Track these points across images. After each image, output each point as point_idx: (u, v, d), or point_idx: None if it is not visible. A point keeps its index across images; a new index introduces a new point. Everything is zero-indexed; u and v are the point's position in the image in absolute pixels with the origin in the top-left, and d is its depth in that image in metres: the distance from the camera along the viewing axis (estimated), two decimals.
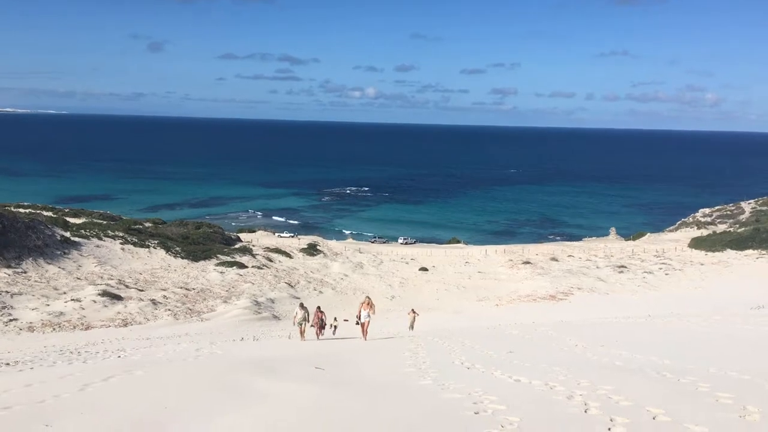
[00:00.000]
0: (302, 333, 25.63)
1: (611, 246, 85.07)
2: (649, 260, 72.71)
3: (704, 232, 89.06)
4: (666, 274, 64.66)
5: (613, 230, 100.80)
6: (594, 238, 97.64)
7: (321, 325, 26.42)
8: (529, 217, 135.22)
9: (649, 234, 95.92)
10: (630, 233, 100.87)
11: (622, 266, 68.85)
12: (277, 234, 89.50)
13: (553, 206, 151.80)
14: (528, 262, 71.16)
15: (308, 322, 25.84)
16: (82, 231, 57.19)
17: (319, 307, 27.74)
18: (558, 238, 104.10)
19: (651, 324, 27.99)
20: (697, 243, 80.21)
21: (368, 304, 23.87)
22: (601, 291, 57.65)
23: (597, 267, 69.00)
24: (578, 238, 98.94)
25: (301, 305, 26.67)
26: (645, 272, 65.60)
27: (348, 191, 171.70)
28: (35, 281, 43.14)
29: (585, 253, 78.72)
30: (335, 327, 34.31)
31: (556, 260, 73.26)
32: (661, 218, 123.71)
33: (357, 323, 24.18)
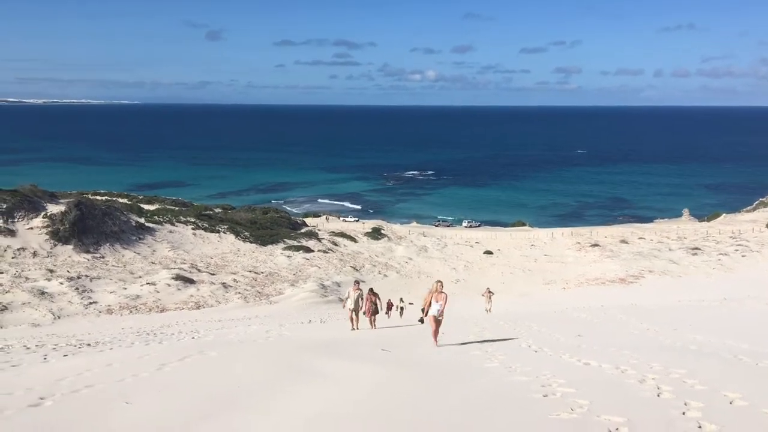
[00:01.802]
0: (354, 320, 21.01)
1: (684, 227, 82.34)
2: (725, 242, 70.02)
3: None
4: (742, 256, 62.19)
5: (686, 211, 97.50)
6: (666, 219, 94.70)
7: (374, 311, 21.78)
8: (597, 199, 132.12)
9: (724, 215, 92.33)
10: (704, 214, 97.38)
11: (696, 248, 66.56)
12: (341, 218, 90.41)
13: (622, 187, 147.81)
14: (596, 245, 69.67)
15: (361, 307, 21.35)
16: (156, 217, 59.16)
17: (371, 290, 22.58)
18: (628, 220, 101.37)
19: (727, 307, 27.05)
20: None
21: (440, 292, 15.17)
22: (674, 274, 55.95)
23: (669, 249, 66.93)
24: (649, 220, 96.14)
25: (356, 284, 21.82)
26: (720, 254, 63.25)
27: (411, 175, 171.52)
28: (112, 266, 44.93)
29: (656, 235, 76.46)
30: (402, 309, 34.51)
31: (626, 242, 71.44)
32: (737, 198, 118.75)
33: (421, 319, 16.29)
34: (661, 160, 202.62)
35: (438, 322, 15.06)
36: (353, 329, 20.59)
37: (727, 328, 17.54)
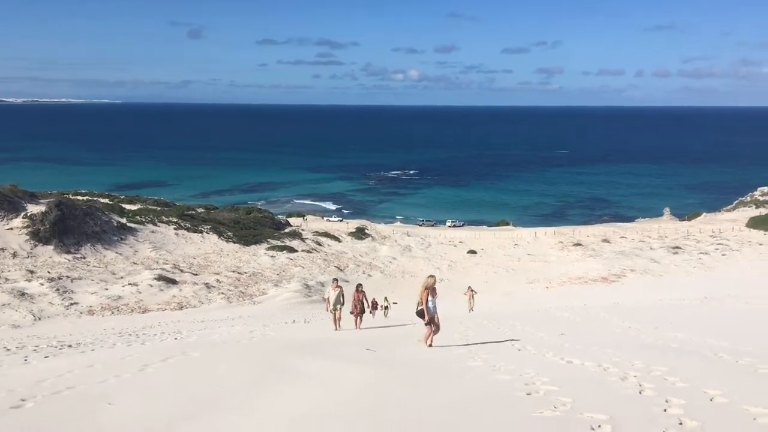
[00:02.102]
0: (337, 320, 20.03)
1: (665, 227, 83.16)
2: (705, 241, 70.81)
3: (763, 211, 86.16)
4: (723, 255, 62.93)
5: (667, 210, 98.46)
6: (647, 218, 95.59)
7: (361, 310, 20.75)
8: (579, 199, 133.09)
9: (705, 214, 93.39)
10: (685, 213, 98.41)
11: (677, 247, 67.24)
12: (325, 218, 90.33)
13: (604, 187, 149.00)
14: (579, 244, 70.14)
15: (342, 305, 20.44)
16: (138, 217, 58.71)
17: (359, 287, 21.45)
18: (610, 219, 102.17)
19: (707, 306, 27.37)
20: (755, 222, 77.71)
21: (432, 289, 13.77)
22: (655, 273, 56.48)
23: (651, 248, 67.55)
24: (631, 219, 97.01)
25: (335, 282, 20.82)
26: (701, 253, 63.95)
27: (395, 175, 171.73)
28: (94, 266, 44.53)
29: (638, 234, 77.15)
30: (386, 308, 34.35)
31: (608, 242, 72.00)
32: (717, 198, 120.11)
33: (420, 313, 13.84)
34: (643, 160, 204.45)
35: (436, 317, 13.75)
36: (337, 329, 19.64)
37: (707, 326, 17.74)
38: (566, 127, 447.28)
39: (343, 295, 20.06)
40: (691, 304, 28.78)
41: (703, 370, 9.51)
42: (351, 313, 20.38)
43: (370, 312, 32.41)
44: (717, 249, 65.54)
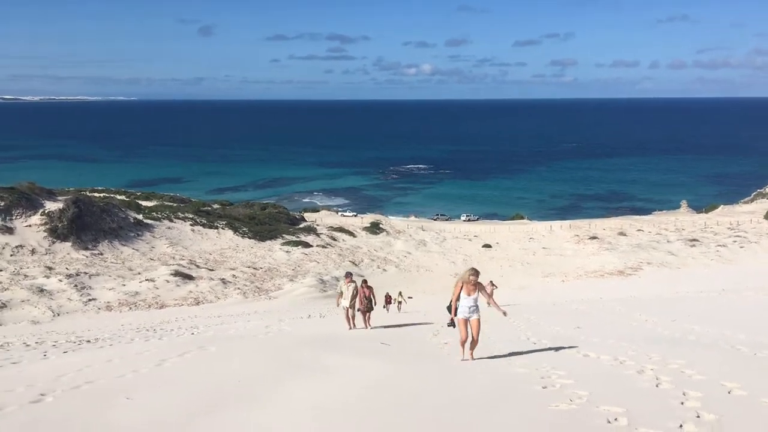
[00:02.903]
0: (350, 319, 18.18)
1: (682, 219, 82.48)
2: (723, 233, 70.18)
3: None
4: (741, 247, 62.34)
5: (684, 203, 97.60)
6: (664, 211, 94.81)
7: (368, 307, 18.80)
8: (595, 192, 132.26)
9: (722, 206, 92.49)
10: (702, 206, 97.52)
11: (694, 240, 66.68)
12: (340, 213, 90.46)
13: (620, 180, 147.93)
14: (595, 237, 69.76)
15: (356, 301, 18.58)
16: (154, 213, 59.14)
17: (365, 282, 19.62)
18: (626, 212, 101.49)
19: (725, 298, 27.13)
20: None
21: (474, 284, 10.88)
22: (672, 265, 56.08)
23: (667, 241, 67.06)
24: (647, 212, 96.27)
25: (348, 276, 18.73)
26: (718, 245, 63.40)
27: (410, 169, 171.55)
28: (111, 262, 44.93)
29: (655, 227, 76.59)
30: (400, 303, 34.33)
31: (624, 235, 71.56)
32: (735, 190, 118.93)
33: (451, 322, 11.18)
34: (659, 152, 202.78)
35: (471, 325, 10.80)
36: (350, 328, 17.97)
37: (725, 319, 17.59)
38: (581, 119, 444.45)
39: (357, 290, 18.31)
40: (709, 297, 28.54)
41: (720, 363, 9.43)
42: (358, 310, 18.49)
43: (384, 307, 32.34)
44: (735, 241, 64.94)
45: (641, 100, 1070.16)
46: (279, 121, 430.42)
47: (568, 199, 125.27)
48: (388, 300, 33.59)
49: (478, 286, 10.85)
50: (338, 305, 18.61)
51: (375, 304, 19.28)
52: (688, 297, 29.66)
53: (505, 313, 11.51)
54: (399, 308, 33.51)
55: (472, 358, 10.92)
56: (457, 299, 10.85)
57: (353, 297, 18.09)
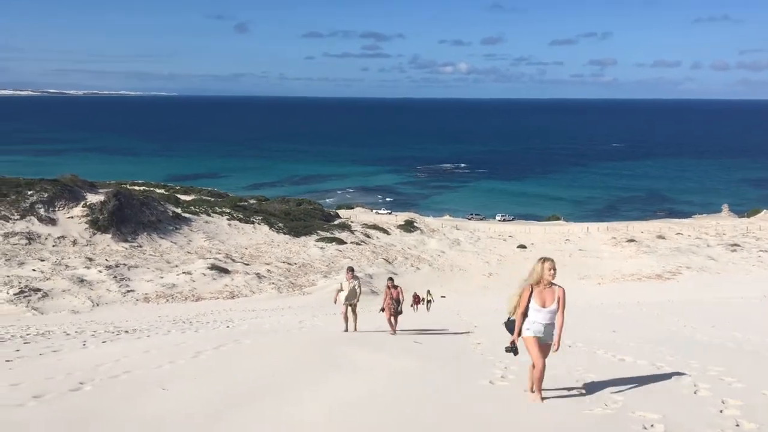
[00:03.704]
0: (347, 318, 16.16)
1: (723, 223, 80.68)
2: (766, 238, 68.48)
3: None
4: None
5: (725, 207, 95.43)
6: (704, 215, 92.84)
7: (395, 311, 15.97)
8: (633, 194, 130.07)
9: (765, 211, 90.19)
10: (744, 210, 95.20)
11: (736, 244, 65.19)
12: (374, 211, 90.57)
13: (659, 182, 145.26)
14: (632, 240, 68.66)
15: (356, 299, 16.33)
16: (192, 207, 59.99)
17: (391, 281, 17.01)
18: (665, 215, 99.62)
19: (766, 305, 26.48)
20: None
21: (549, 285, 7.39)
22: (712, 270, 54.91)
23: (708, 245, 65.68)
24: (687, 215, 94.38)
25: (350, 271, 16.54)
26: (760, 251, 61.90)
27: (445, 168, 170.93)
28: (150, 255, 45.71)
29: (694, 230, 75.07)
30: (429, 302, 33.63)
31: (663, 238, 70.29)
32: None
33: (512, 347, 7.61)
34: (700, 155, 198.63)
35: (545, 350, 7.44)
36: (346, 330, 15.83)
37: (766, 325, 17.17)
38: (621, 120, 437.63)
39: (359, 287, 16.30)
40: (750, 303, 27.88)
41: (762, 371, 9.21)
42: (381, 310, 16.21)
43: (411, 306, 31.75)
44: None
45: (683, 101, 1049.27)
46: (316, 118, 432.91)
47: (606, 200, 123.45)
48: (416, 300, 32.95)
49: (558, 293, 7.31)
50: (335, 302, 16.56)
51: (402, 308, 16.39)
52: (728, 303, 29.01)
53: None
54: (428, 308, 32.95)
55: (542, 400, 7.40)
56: (524, 313, 7.38)
57: (352, 294, 16.06)
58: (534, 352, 7.34)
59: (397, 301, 16.08)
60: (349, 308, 16.09)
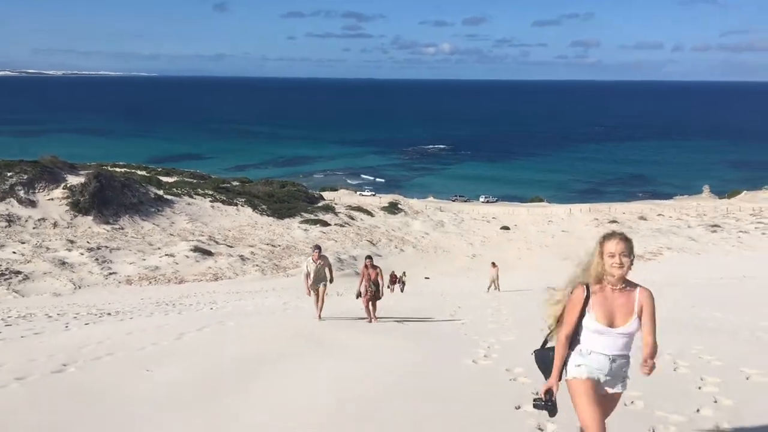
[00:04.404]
0: (317, 304, 14.10)
1: (704, 204, 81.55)
2: (745, 219, 69.34)
3: None
4: (763, 234, 61.55)
5: (706, 188, 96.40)
6: (686, 196, 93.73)
7: (374, 295, 14.27)
8: (615, 175, 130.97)
9: (745, 192, 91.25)
10: (725, 191, 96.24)
11: (716, 225, 65.97)
12: (358, 192, 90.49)
13: (641, 164, 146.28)
14: (614, 221, 69.22)
15: (327, 282, 14.31)
16: (174, 189, 59.57)
17: (370, 259, 14.78)
18: (647, 196, 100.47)
19: (746, 285, 26.88)
20: None
21: (616, 287, 4.36)
22: (693, 251, 55.57)
23: (688, 226, 66.40)
24: (669, 197, 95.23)
25: (317, 251, 14.32)
26: (740, 232, 62.67)
27: (429, 150, 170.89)
28: (132, 237, 45.41)
29: (676, 212, 75.84)
30: (404, 283, 32.67)
31: (645, 219, 70.94)
32: (759, 175, 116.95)
33: (547, 402, 4.36)
34: (682, 137, 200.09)
35: (607, 404, 4.46)
36: (319, 317, 13.84)
37: (745, 305, 17.44)
38: (604, 101, 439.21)
39: (330, 269, 14.32)
40: (730, 283, 28.28)
41: (740, 349, 9.37)
42: (358, 297, 14.30)
43: (389, 287, 29.96)
44: (757, 228, 64.14)
45: (665, 83, 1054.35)
46: (298, 99, 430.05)
47: (589, 182, 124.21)
48: (393, 280, 31.88)
49: (641, 299, 4.43)
50: (309, 293, 14.27)
51: (383, 292, 14.59)
52: (708, 283, 29.41)
53: None
54: (402, 288, 32.11)
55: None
56: (574, 330, 4.41)
57: (320, 276, 14.09)
58: (587, 408, 4.19)
59: (376, 284, 14.24)
60: (318, 292, 14.05)
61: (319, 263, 14.07)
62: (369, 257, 14.92)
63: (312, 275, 14.02)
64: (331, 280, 14.25)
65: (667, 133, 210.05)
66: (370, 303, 14.21)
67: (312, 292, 14.12)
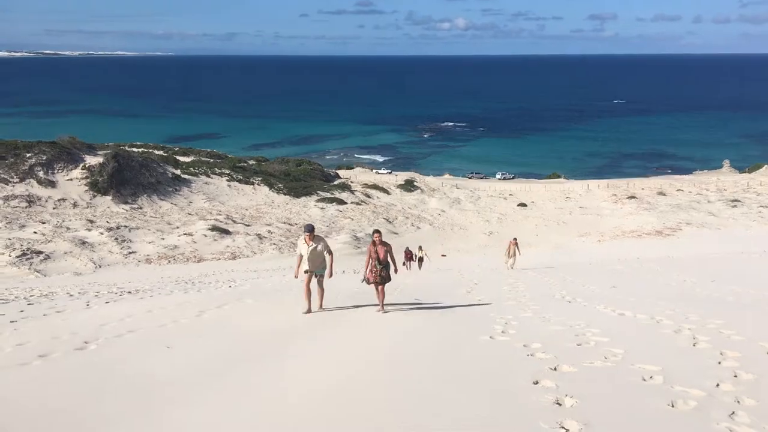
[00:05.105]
0: (308, 291, 11.61)
1: (724, 179, 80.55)
2: (766, 194, 68.43)
3: None
4: None
5: (726, 162, 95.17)
6: (705, 171, 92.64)
7: (384, 276, 11.62)
8: (634, 150, 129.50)
9: (766, 166, 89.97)
10: (745, 165, 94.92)
11: (736, 200, 65.21)
12: (374, 170, 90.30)
13: (661, 138, 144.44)
14: (633, 197, 68.66)
15: (323, 267, 11.76)
16: (192, 169, 59.82)
17: (378, 234, 11.78)
18: (666, 171, 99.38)
19: (766, 259, 26.62)
20: None
21: None
22: (712, 226, 55.04)
23: (708, 201, 65.70)
24: (688, 172, 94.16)
25: (310, 232, 11.56)
26: (761, 206, 61.93)
27: (445, 126, 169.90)
28: (150, 216, 45.76)
29: (695, 187, 75.00)
30: (421, 260, 31.69)
31: (664, 194, 70.26)
32: None
33: None
34: (702, 110, 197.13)
35: None
36: (308, 311, 11.49)
37: (766, 279, 17.27)
38: (622, 76, 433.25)
39: (329, 251, 11.78)
40: (750, 258, 28.02)
41: (760, 324, 9.29)
42: (364, 281, 11.93)
43: (404, 264, 29.27)
44: None
45: (685, 57, 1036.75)
46: (313, 77, 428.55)
47: (606, 157, 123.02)
48: (408, 256, 30.68)
49: None
50: (296, 276, 12.21)
51: (396, 271, 11.96)
52: (728, 258, 29.14)
53: None
54: (420, 266, 31.22)
55: None
56: None
57: (313, 259, 11.62)
58: None
59: (385, 264, 11.66)
60: (314, 279, 11.79)
61: (312, 246, 11.60)
62: (377, 231, 11.94)
63: (307, 260, 11.62)
64: (330, 275, 11.76)
65: (686, 107, 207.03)
66: (379, 286, 11.71)
67: (304, 276, 11.71)
